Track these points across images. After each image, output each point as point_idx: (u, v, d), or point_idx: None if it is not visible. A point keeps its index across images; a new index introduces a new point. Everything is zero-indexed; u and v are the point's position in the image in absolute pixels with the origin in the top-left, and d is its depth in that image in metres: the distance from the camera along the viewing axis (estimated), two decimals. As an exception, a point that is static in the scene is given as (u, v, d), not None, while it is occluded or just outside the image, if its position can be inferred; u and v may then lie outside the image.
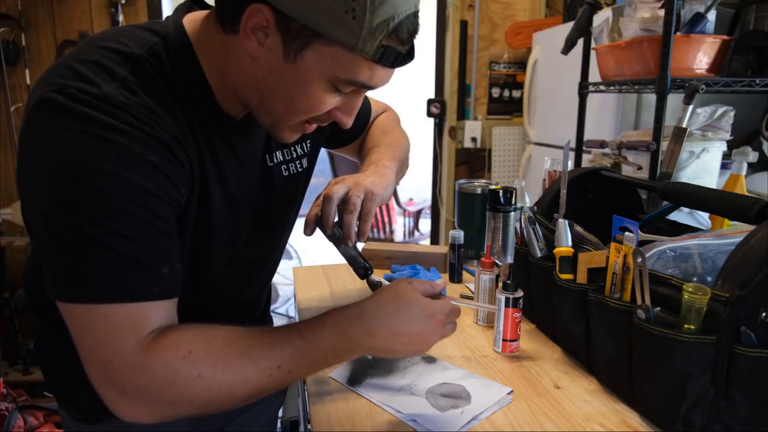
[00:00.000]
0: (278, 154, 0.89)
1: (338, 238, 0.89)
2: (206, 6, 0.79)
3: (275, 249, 0.98)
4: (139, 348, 0.63)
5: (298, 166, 0.93)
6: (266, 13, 0.63)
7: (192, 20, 0.74)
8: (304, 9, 0.62)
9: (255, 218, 0.86)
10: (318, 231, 0.91)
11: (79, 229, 0.61)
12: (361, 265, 0.90)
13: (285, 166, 0.90)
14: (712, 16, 1.44)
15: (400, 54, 0.67)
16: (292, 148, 0.92)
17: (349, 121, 0.75)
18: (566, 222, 0.93)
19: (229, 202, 0.79)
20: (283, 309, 3.74)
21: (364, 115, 1.14)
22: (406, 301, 0.72)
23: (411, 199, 5.32)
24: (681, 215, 1.34)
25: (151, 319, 0.65)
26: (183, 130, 0.69)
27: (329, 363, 0.70)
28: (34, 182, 0.64)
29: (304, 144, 0.94)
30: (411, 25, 0.67)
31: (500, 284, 0.96)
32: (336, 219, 0.89)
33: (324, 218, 0.88)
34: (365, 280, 0.91)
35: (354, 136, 1.13)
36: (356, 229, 0.88)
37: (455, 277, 1.31)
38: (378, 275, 0.93)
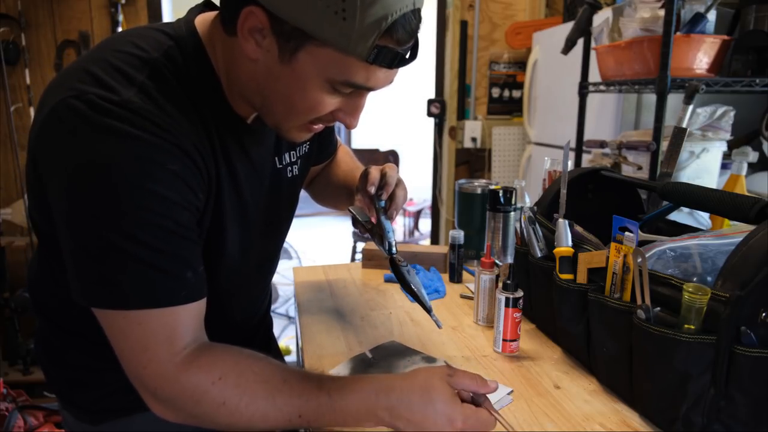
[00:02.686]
0: (286, 156, 0.90)
1: (385, 208, 0.96)
2: (217, 7, 0.79)
3: (278, 248, 1.00)
4: (172, 360, 0.65)
5: (296, 168, 0.94)
6: (259, 15, 0.63)
7: (203, 21, 0.74)
8: (294, 11, 0.61)
9: (263, 219, 0.87)
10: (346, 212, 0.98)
11: (106, 239, 0.62)
12: (393, 240, 0.95)
13: (289, 168, 0.92)
14: (712, 16, 1.44)
15: (397, 54, 0.65)
16: (297, 150, 0.93)
17: (353, 122, 0.74)
18: (566, 222, 0.93)
19: (241, 203, 0.80)
20: (283, 309, 3.74)
21: (335, 142, 1.17)
22: (433, 395, 0.68)
23: (411, 199, 5.32)
24: (681, 215, 1.35)
25: (183, 324, 0.66)
26: (199, 134, 0.70)
27: (347, 425, 0.69)
28: (53, 189, 0.64)
29: (303, 147, 0.95)
30: (408, 24, 0.63)
31: (500, 284, 0.96)
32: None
33: (388, 182, 0.94)
34: (390, 257, 0.95)
35: (327, 156, 1.15)
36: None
37: (455, 277, 1.31)
38: (378, 275, 0.94)
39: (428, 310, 0.90)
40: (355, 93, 0.70)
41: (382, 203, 0.96)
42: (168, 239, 0.64)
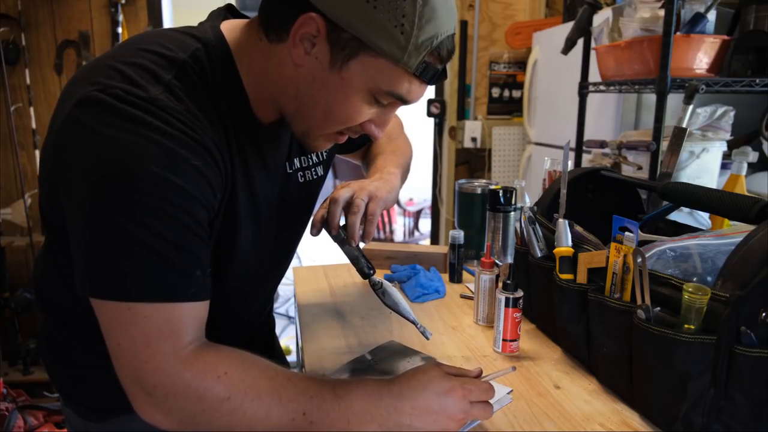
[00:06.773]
0: (296, 161, 0.90)
1: (343, 239, 0.93)
2: (239, 14, 0.81)
3: (289, 252, 1.00)
4: (176, 355, 0.63)
5: (314, 173, 0.95)
6: (318, 22, 0.66)
7: (230, 28, 0.75)
8: (356, 21, 0.65)
9: (273, 223, 0.87)
10: (324, 233, 0.95)
11: (123, 229, 0.61)
12: (363, 266, 0.94)
13: (301, 173, 0.92)
14: (712, 16, 1.44)
15: (437, 71, 0.70)
16: (309, 156, 0.93)
17: (380, 134, 0.78)
18: (566, 222, 0.93)
19: (254, 207, 0.80)
20: (283, 309, 3.74)
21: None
22: (429, 378, 0.71)
23: (411, 199, 5.32)
24: (681, 215, 1.35)
25: (188, 322, 0.65)
26: (219, 135, 0.71)
27: (351, 427, 0.68)
28: (75, 179, 0.63)
29: (320, 152, 0.95)
30: (450, 45, 0.70)
31: (500, 284, 0.96)
32: (342, 221, 0.92)
33: (330, 219, 0.91)
34: (367, 280, 0.94)
35: (364, 141, 1.14)
36: (360, 231, 0.91)
37: (455, 277, 1.31)
38: (378, 275, 0.95)
39: (414, 323, 0.90)
40: (389, 106, 0.75)
41: (340, 234, 0.93)
42: (184, 234, 0.64)
